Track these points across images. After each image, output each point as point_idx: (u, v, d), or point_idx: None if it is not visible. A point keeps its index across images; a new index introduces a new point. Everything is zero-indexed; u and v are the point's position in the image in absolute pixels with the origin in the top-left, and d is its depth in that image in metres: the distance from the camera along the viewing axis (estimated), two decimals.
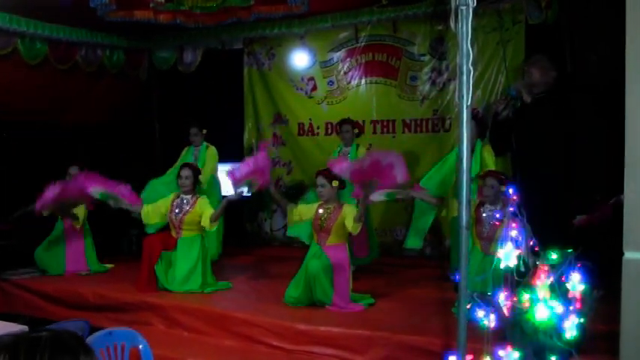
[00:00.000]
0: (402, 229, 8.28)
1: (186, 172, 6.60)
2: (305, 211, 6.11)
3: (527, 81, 4.89)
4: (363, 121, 8.32)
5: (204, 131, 8.07)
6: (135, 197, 6.55)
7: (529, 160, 4.45)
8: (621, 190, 3.23)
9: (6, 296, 7.00)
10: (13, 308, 6.86)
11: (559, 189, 4.57)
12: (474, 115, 6.47)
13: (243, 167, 6.20)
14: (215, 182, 8.13)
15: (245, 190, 6.27)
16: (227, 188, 7.95)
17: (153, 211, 6.60)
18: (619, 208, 3.28)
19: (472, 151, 6.35)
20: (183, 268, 6.43)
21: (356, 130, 7.47)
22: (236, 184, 6.16)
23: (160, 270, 6.43)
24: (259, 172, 6.16)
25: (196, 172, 6.73)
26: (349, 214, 5.79)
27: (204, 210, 6.44)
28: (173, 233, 6.59)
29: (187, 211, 6.48)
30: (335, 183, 5.96)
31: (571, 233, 4.89)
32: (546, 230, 3.43)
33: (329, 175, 5.96)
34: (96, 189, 6.40)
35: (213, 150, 8.07)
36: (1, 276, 7.13)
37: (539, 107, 4.71)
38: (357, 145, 7.40)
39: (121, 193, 6.40)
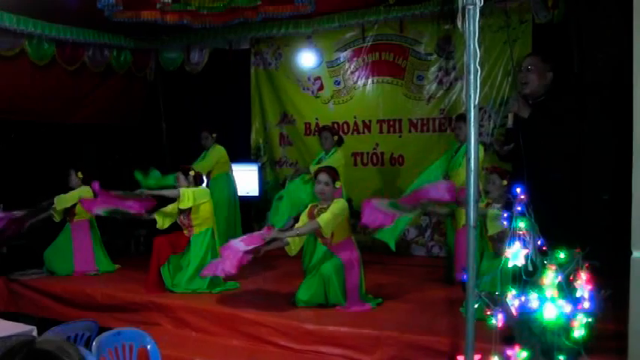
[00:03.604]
0: (410, 229, 8.28)
1: None
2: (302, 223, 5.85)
3: (523, 91, 4.74)
4: (370, 121, 8.34)
5: (214, 135, 8.28)
6: (144, 205, 6.67)
7: (536, 162, 4.43)
8: (628, 189, 3.22)
9: (15, 297, 7.04)
10: (21, 309, 6.90)
11: (567, 189, 4.54)
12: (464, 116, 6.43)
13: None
14: (228, 180, 8.34)
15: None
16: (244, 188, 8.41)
17: None
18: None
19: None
20: (195, 263, 6.47)
21: (335, 137, 7.44)
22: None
23: (166, 273, 6.46)
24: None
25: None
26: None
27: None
28: (185, 232, 6.64)
29: (189, 208, 6.53)
30: (338, 184, 5.85)
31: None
32: (554, 230, 3.42)
33: (333, 174, 5.84)
34: (99, 209, 6.62)
35: (216, 148, 8.29)
36: (10, 276, 7.16)
37: (544, 112, 4.62)
38: (335, 150, 7.40)
39: (127, 207, 6.56)
